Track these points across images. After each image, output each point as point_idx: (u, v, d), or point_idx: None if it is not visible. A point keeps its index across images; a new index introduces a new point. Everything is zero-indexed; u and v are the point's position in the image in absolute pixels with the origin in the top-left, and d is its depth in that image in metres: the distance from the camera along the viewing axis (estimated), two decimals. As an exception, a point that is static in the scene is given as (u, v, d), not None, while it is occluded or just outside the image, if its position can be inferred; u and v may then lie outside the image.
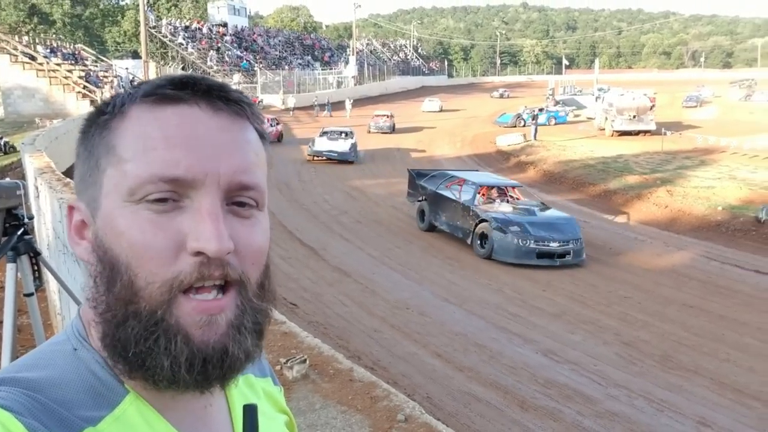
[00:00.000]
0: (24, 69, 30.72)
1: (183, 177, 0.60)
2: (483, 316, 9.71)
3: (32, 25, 45.57)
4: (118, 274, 0.61)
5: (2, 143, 23.22)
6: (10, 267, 2.45)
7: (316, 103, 42.87)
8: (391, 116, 35.69)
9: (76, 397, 0.60)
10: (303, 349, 4.04)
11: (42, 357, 0.64)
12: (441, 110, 47.42)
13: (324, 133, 26.25)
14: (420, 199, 15.40)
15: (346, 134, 26.21)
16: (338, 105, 43.88)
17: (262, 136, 0.70)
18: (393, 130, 34.26)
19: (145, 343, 0.60)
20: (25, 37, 37.11)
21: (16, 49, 31.56)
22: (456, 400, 6.84)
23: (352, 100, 44.42)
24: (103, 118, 0.65)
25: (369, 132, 33.27)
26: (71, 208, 0.68)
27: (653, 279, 11.95)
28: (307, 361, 3.92)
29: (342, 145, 24.72)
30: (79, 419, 0.58)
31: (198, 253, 0.59)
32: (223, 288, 0.62)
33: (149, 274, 0.60)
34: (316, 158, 24.73)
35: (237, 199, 0.64)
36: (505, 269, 12.20)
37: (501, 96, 60.99)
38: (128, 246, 0.60)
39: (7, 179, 2.67)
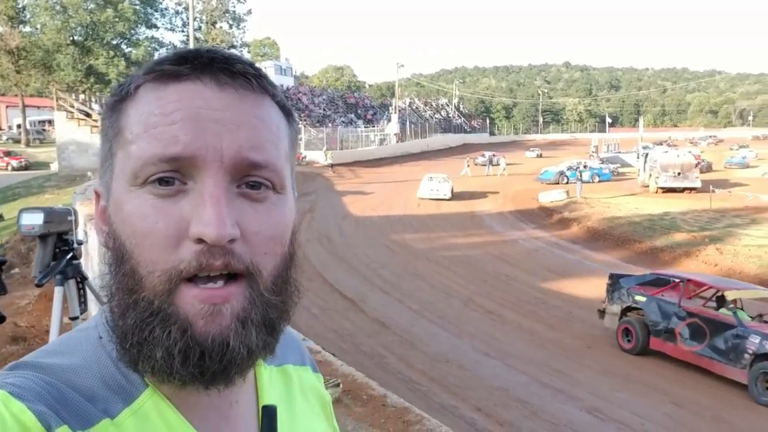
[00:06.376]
0: (79, 125, 32.14)
1: (182, 154, 0.57)
2: (525, 371, 9.46)
3: (89, 84, 47.71)
4: (123, 262, 0.59)
5: None
6: (57, 290, 2.51)
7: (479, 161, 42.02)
8: None
9: (95, 387, 0.58)
10: (338, 376, 4.01)
11: (68, 343, 0.63)
12: (452, 197, 28.99)
13: None
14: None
15: None
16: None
17: (282, 109, 0.65)
18: None
19: (141, 334, 0.57)
20: (82, 96, 38.89)
21: (72, 106, 33.12)
22: (496, 456, 6.62)
23: (505, 158, 43.89)
24: (112, 100, 0.64)
25: None
26: (96, 195, 0.67)
27: (703, 338, 11.49)
28: (341, 386, 3.88)
29: None
30: (98, 410, 0.56)
31: (200, 240, 0.56)
32: (230, 278, 0.58)
33: (150, 262, 0.57)
34: None
35: (249, 180, 0.60)
36: (547, 326, 11.92)
37: (490, 162, 44.18)
38: (131, 233, 0.58)
39: (60, 205, 2.77)
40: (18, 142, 51.29)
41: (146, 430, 0.58)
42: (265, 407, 0.67)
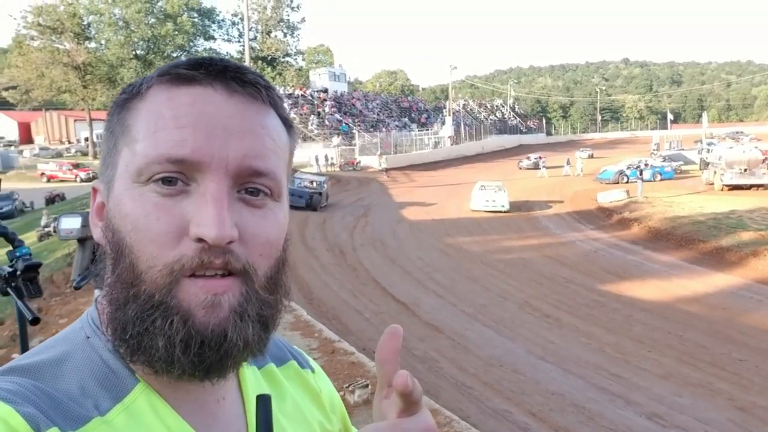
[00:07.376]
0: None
1: (189, 157, 0.59)
2: (582, 375, 9.23)
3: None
4: (122, 256, 0.60)
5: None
6: (97, 293, 2.59)
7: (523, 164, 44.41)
8: None
9: (85, 386, 0.59)
10: (369, 377, 4.01)
11: (56, 345, 0.64)
12: (509, 209, 25.98)
13: None
14: None
15: None
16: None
17: (285, 122, 0.68)
18: None
19: (142, 324, 0.58)
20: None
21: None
22: (550, 463, 6.47)
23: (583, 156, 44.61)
24: (122, 98, 0.65)
25: None
26: (94, 190, 0.68)
27: (773, 341, 10.97)
28: (369, 387, 3.89)
29: None
30: (87, 409, 0.58)
31: (200, 240, 0.58)
32: (227, 276, 0.60)
33: (150, 257, 0.58)
34: None
35: (249, 186, 0.62)
36: (606, 329, 11.60)
37: (536, 165, 44.97)
38: (132, 228, 0.59)
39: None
40: (85, 154, 53.62)
41: (139, 425, 0.60)
42: (259, 396, 0.67)
